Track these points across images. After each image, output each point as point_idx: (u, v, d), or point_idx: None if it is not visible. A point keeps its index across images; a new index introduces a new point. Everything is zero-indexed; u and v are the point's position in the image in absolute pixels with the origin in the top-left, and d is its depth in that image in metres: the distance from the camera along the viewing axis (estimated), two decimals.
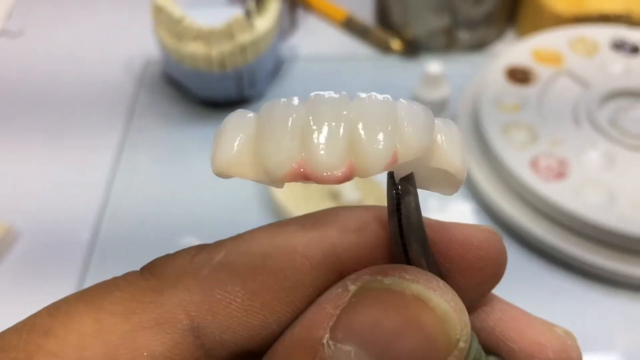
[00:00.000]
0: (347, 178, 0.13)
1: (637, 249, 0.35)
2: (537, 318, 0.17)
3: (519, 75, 0.44)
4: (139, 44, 0.53)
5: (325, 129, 0.13)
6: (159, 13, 0.45)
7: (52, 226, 0.40)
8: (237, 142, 0.14)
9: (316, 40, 0.54)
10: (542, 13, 0.48)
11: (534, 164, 0.38)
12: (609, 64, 0.44)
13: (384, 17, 0.53)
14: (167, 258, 0.15)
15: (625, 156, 0.39)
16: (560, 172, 0.38)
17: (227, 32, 0.44)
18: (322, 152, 0.13)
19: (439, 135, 0.14)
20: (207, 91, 0.48)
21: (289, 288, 0.14)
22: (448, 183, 0.15)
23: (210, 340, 0.14)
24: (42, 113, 0.48)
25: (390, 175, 0.15)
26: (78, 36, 0.55)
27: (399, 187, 0.15)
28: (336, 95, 0.14)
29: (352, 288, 0.14)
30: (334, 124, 0.13)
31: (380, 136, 0.13)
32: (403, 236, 0.15)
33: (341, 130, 0.13)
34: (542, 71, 0.44)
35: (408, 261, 0.15)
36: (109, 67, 0.52)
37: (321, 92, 0.14)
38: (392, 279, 0.14)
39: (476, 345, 0.15)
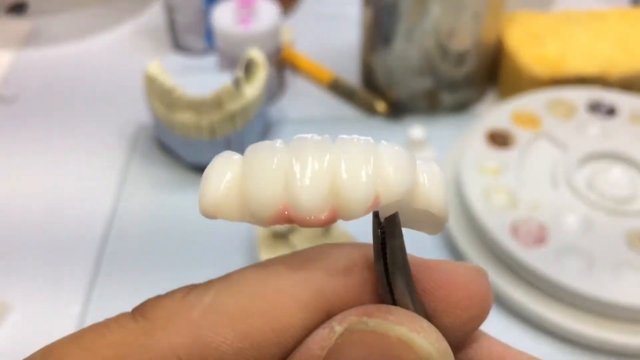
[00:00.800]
0: (330, 221, 0.14)
1: (617, 316, 0.36)
2: (524, 352, 0.17)
3: (498, 139, 0.45)
4: (131, 110, 0.54)
5: (308, 173, 0.14)
6: (151, 83, 0.47)
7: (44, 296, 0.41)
8: (223, 184, 0.14)
9: (303, 102, 0.56)
10: (521, 76, 0.50)
11: (514, 230, 0.39)
12: (586, 126, 0.46)
13: (369, 79, 0.55)
14: (158, 299, 0.15)
15: (603, 220, 0.40)
16: (539, 237, 0.39)
17: (217, 102, 0.46)
18: (305, 196, 0.14)
19: (421, 176, 0.15)
20: (197, 157, 0.49)
21: (278, 330, 0.14)
22: (432, 223, 0.16)
23: None
24: (33, 173, 0.49)
25: (375, 215, 0.15)
26: (73, 101, 0.57)
27: (384, 226, 0.15)
28: (319, 138, 0.14)
29: (338, 329, 0.14)
30: (316, 167, 0.14)
31: (362, 179, 0.14)
32: (388, 276, 0.15)
33: (323, 174, 0.14)
34: (521, 134, 0.45)
35: (394, 301, 0.15)
36: (103, 132, 0.53)
37: (304, 135, 0.14)
38: (376, 320, 0.14)
39: None
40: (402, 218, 0.15)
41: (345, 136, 0.14)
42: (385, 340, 0.14)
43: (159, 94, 0.47)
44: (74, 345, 0.14)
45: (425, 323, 0.14)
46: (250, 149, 0.14)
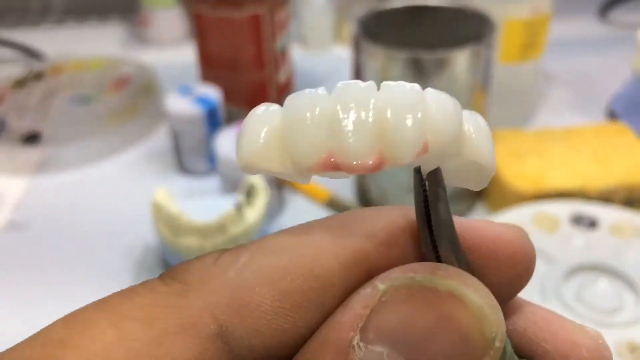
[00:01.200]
0: (377, 167, 0.13)
1: None
2: (567, 319, 0.16)
3: None
4: (138, 232, 0.57)
5: (353, 117, 0.13)
6: (158, 210, 0.50)
7: None
8: (263, 134, 0.13)
9: (302, 219, 0.58)
10: (505, 192, 0.53)
11: None
12: (570, 239, 0.48)
13: (363, 196, 0.58)
14: (188, 263, 0.14)
15: None
16: None
17: (220, 227, 0.48)
18: (351, 140, 0.13)
19: (467, 126, 0.14)
20: None
21: (319, 288, 0.14)
22: (476, 177, 0.15)
23: (238, 345, 0.13)
24: (46, 298, 0.51)
25: (417, 171, 0.15)
26: (82, 225, 0.60)
27: (426, 182, 0.14)
28: (363, 83, 0.14)
29: (382, 287, 0.13)
30: (362, 112, 0.13)
31: (410, 124, 0.13)
32: (432, 233, 0.14)
33: (370, 118, 0.13)
34: None
35: (438, 259, 0.14)
36: (112, 254, 0.56)
37: (348, 81, 0.14)
38: (424, 276, 0.13)
39: (510, 348, 0.15)
40: (445, 174, 0.15)
41: (390, 82, 0.14)
42: (434, 295, 0.13)
43: (165, 220, 0.50)
44: (100, 310, 0.13)
45: (474, 279, 0.14)
46: (291, 97, 0.14)
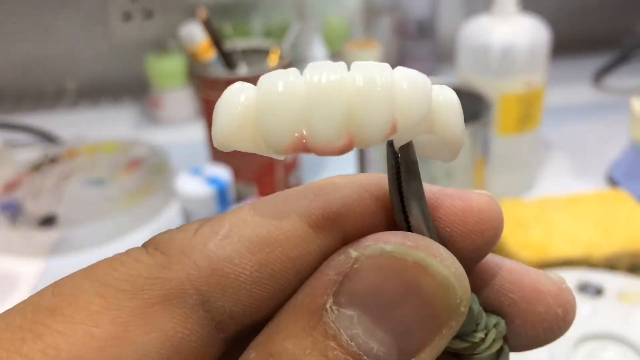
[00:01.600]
0: (347, 149, 0.14)
1: None
2: (531, 268, 0.17)
3: None
4: None
5: (323, 99, 0.13)
6: None
7: None
8: (237, 114, 0.14)
9: None
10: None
11: None
12: (578, 308, 0.49)
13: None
14: (169, 233, 0.15)
15: None
16: None
17: None
18: (321, 123, 0.13)
19: (436, 102, 0.14)
20: None
21: (295, 258, 0.14)
22: (447, 150, 0.15)
23: (220, 313, 0.14)
24: None
25: (390, 144, 0.15)
26: None
27: (399, 155, 0.15)
28: (333, 63, 0.14)
29: (354, 255, 0.14)
30: (332, 93, 0.13)
31: (379, 104, 0.13)
32: (404, 203, 0.15)
33: (339, 100, 0.13)
34: None
35: (409, 227, 0.15)
36: None
37: (318, 62, 0.14)
38: (393, 246, 0.14)
39: (476, 307, 0.15)
40: (416, 146, 0.15)
41: (360, 62, 0.14)
42: (402, 265, 0.14)
43: None
44: (87, 280, 0.13)
45: (442, 248, 0.14)
46: (264, 78, 0.14)
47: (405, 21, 0.97)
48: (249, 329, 0.15)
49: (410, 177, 0.15)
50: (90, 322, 0.13)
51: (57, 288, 0.14)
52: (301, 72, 0.14)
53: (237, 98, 0.14)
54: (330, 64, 0.14)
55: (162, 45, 0.96)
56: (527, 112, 0.62)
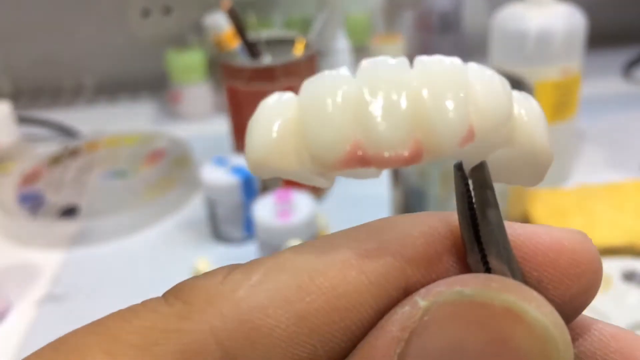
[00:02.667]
0: (414, 158, 0.11)
1: None
2: (639, 336, 0.14)
3: None
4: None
5: (383, 100, 0.11)
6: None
7: None
8: (276, 127, 0.11)
9: None
10: None
11: None
12: (624, 296, 0.47)
13: None
14: (195, 280, 0.12)
15: None
16: None
17: None
18: (382, 127, 0.11)
19: (517, 108, 0.12)
20: None
21: (343, 309, 0.12)
22: (530, 169, 0.13)
23: None
24: None
25: (459, 168, 0.13)
26: (121, 297, 0.59)
27: (471, 180, 0.13)
28: (393, 61, 0.12)
29: (423, 304, 0.11)
30: (394, 93, 0.11)
31: (452, 105, 0.11)
32: (480, 241, 0.12)
33: (403, 101, 0.11)
34: None
35: (488, 271, 0.12)
36: None
37: (374, 58, 0.12)
38: (475, 288, 0.11)
39: None
40: (491, 169, 0.12)
41: (425, 57, 0.12)
42: (488, 312, 0.11)
43: None
44: (93, 334, 0.11)
45: (535, 292, 0.11)
46: (308, 82, 0.12)
47: (428, 14, 0.95)
48: None
49: (486, 206, 0.12)
50: None
51: (59, 344, 0.11)
52: (354, 73, 0.12)
53: (276, 109, 0.12)
54: (389, 59, 0.12)
55: (180, 40, 0.95)
56: (564, 100, 0.61)
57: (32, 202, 0.70)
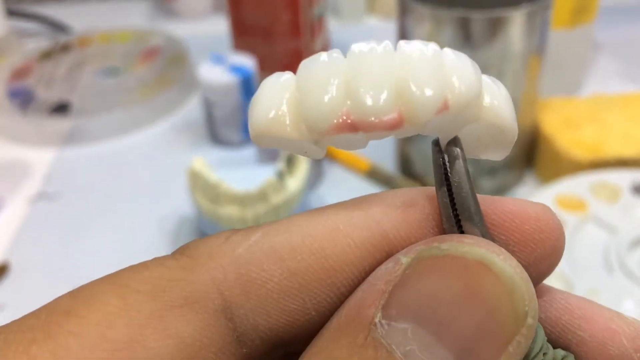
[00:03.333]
0: (397, 123, 0.13)
1: None
2: (603, 306, 0.15)
3: None
4: (172, 203, 0.55)
5: (370, 75, 0.13)
6: (195, 178, 0.48)
7: None
8: (276, 101, 0.13)
9: (342, 190, 0.56)
10: (560, 160, 0.50)
11: None
12: (633, 209, 0.46)
13: (406, 167, 0.56)
14: (199, 240, 0.14)
15: None
16: None
17: (262, 196, 0.46)
18: (369, 96, 0.12)
19: (485, 87, 0.13)
20: None
21: (331, 268, 0.13)
22: (497, 144, 0.14)
23: (243, 323, 0.13)
24: (79, 271, 0.49)
25: (435, 143, 0.14)
26: (114, 196, 0.58)
27: (445, 153, 0.14)
28: (379, 45, 0.13)
29: (405, 260, 0.13)
30: (379, 69, 0.13)
31: (429, 80, 0.13)
32: (455, 206, 0.14)
33: (387, 76, 0.13)
34: (568, 219, 0.45)
35: (462, 233, 0.14)
36: (145, 226, 0.54)
37: (361, 43, 0.13)
38: (451, 243, 0.12)
39: (542, 334, 0.13)
40: (464, 144, 0.14)
41: (406, 41, 0.13)
42: (461, 264, 0.12)
43: (203, 189, 0.47)
44: (107, 283, 0.13)
45: (503, 249, 0.13)
46: (305, 62, 0.13)
47: None
48: (277, 350, 0.14)
49: (460, 176, 0.14)
50: (104, 324, 0.12)
51: (76, 291, 0.13)
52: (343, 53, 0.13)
53: (276, 86, 0.13)
54: (375, 43, 0.13)
55: None
56: (583, 3, 0.57)
57: (22, 98, 0.68)
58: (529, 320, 0.12)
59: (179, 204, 0.54)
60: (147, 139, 0.65)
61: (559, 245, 0.14)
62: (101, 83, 0.71)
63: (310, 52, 0.63)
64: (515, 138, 0.14)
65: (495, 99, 0.13)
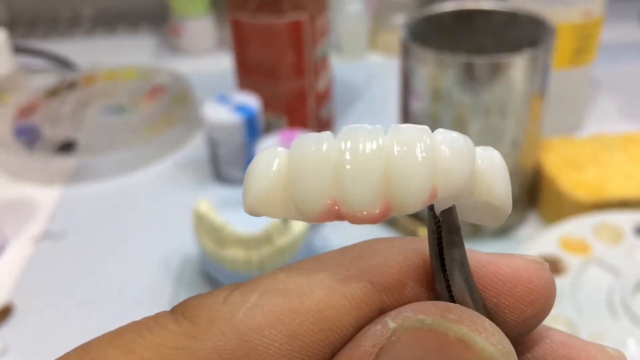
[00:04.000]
0: (383, 216, 0.13)
1: None
2: (587, 341, 0.16)
3: (550, 266, 0.45)
4: (176, 242, 0.55)
5: (358, 165, 0.13)
6: (201, 220, 0.48)
7: None
8: (268, 180, 0.13)
9: (346, 230, 0.56)
10: (563, 201, 0.51)
11: None
12: (636, 250, 0.46)
13: None
14: (199, 298, 0.14)
15: None
16: None
17: (266, 237, 0.46)
18: (355, 190, 0.13)
19: (480, 164, 0.14)
20: None
21: (328, 330, 0.14)
22: (492, 214, 0.15)
23: None
24: (84, 312, 0.50)
25: (431, 208, 0.14)
26: (119, 234, 0.58)
27: (440, 220, 0.14)
28: (369, 127, 0.13)
29: (392, 325, 0.13)
30: (368, 159, 0.13)
31: (418, 170, 0.13)
32: (446, 271, 0.14)
33: (375, 165, 0.13)
34: (572, 261, 0.45)
35: (452, 298, 0.14)
36: (150, 265, 0.54)
37: (354, 125, 0.14)
38: (434, 318, 0.13)
39: None
40: (459, 210, 0.14)
41: (399, 124, 0.13)
42: (443, 340, 0.13)
43: (208, 231, 0.48)
44: (113, 345, 0.13)
45: (487, 322, 0.13)
46: (296, 142, 0.14)
47: None
48: None
49: (452, 244, 0.14)
50: None
51: (83, 352, 0.13)
52: (335, 137, 0.14)
53: (270, 163, 0.14)
54: (366, 128, 0.13)
55: None
56: (583, 44, 0.58)
57: (28, 136, 0.68)
58: None
59: (184, 242, 0.54)
60: (152, 177, 0.65)
61: (550, 302, 0.15)
62: (107, 121, 0.71)
63: (314, 91, 0.64)
64: (509, 212, 0.14)
65: (488, 176, 0.14)
